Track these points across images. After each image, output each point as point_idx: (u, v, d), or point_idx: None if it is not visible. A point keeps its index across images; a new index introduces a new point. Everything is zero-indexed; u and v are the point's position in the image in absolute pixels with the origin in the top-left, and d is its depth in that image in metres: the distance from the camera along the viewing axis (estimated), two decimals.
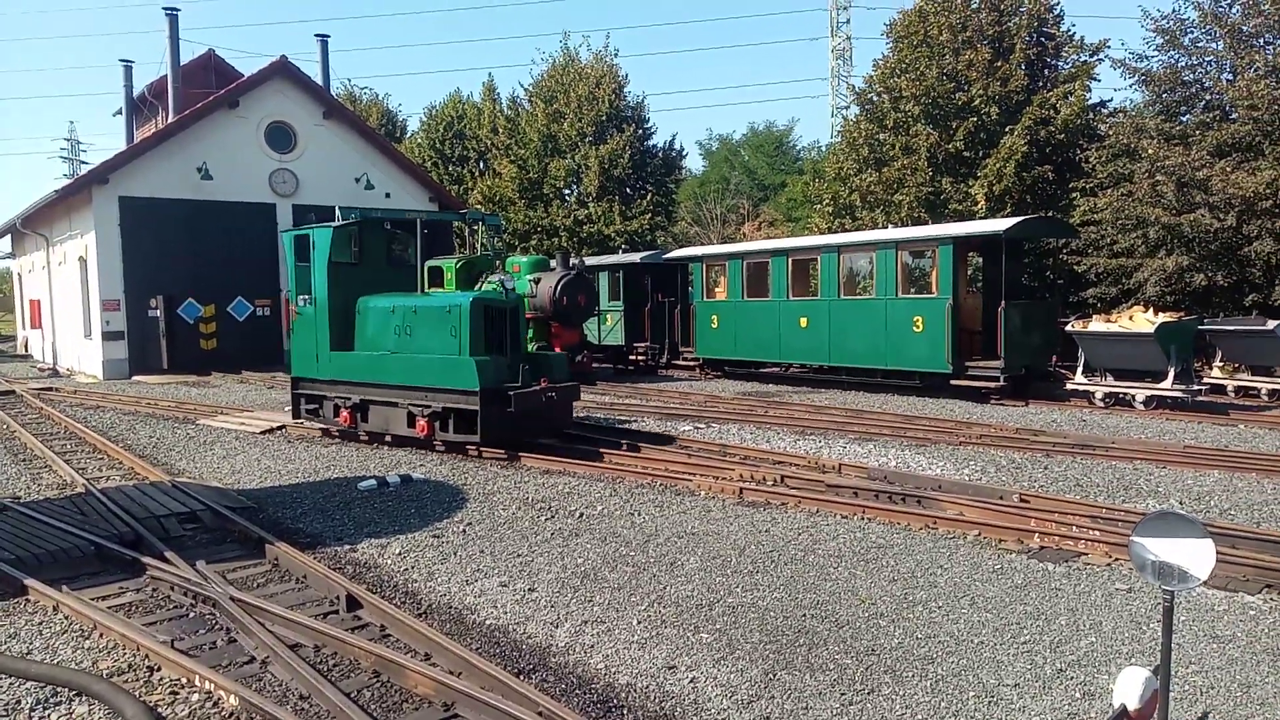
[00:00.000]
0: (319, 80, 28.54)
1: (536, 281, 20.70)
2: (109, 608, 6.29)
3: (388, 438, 12.57)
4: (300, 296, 13.08)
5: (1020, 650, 5.33)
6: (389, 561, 7.32)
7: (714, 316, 21.60)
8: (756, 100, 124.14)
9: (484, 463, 11.34)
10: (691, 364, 23.16)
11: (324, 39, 30.06)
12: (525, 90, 38.06)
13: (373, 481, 10.03)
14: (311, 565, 6.89)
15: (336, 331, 12.73)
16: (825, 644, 5.49)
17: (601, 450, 11.49)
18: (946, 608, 6.02)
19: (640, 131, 35.28)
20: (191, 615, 6.21)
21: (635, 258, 25.22)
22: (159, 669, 5.29)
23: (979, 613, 5.92)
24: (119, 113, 32.06)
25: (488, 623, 5.98)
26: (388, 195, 27.41)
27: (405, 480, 10.20)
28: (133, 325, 24.19)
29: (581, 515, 8.61)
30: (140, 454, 12.23)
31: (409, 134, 48.13)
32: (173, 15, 27.09)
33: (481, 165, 41.99)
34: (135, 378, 23.73)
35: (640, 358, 24.20)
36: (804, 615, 5.95)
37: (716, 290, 21.89)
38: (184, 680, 5.12)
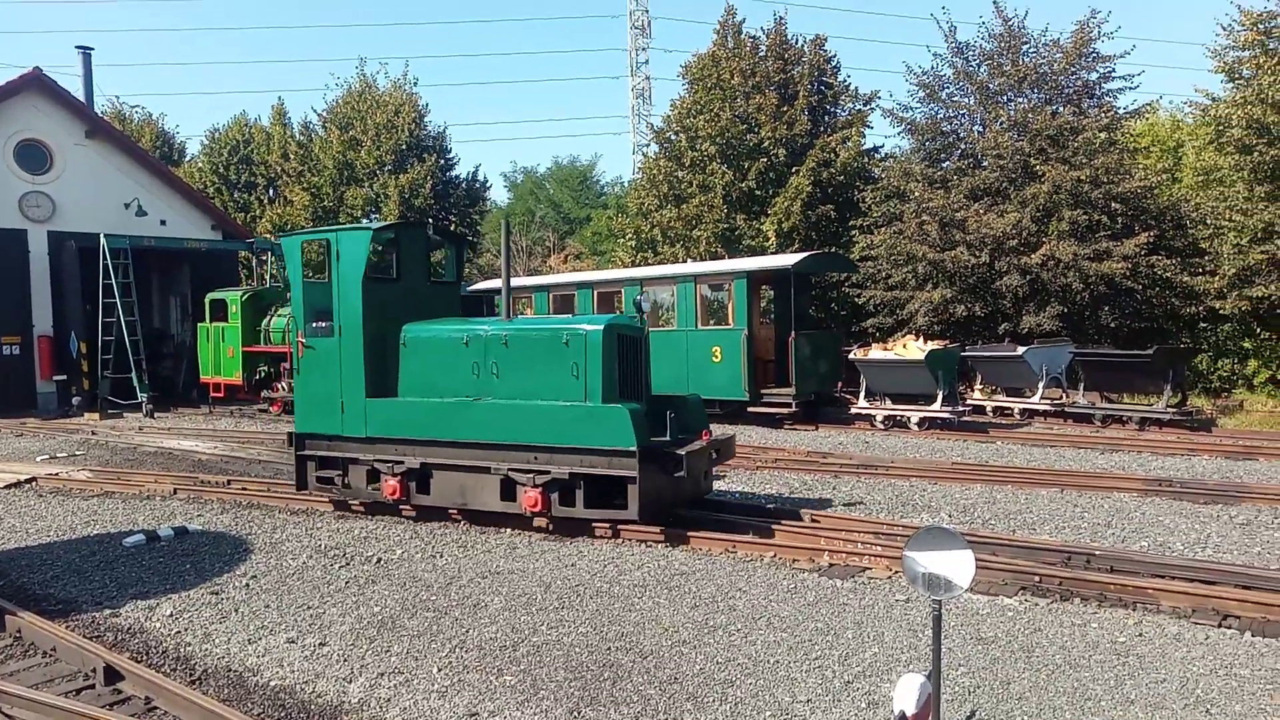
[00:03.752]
0: (80, 96, 26.07)
1: None
2: None
3: (453, 513, 9.53)
4: (313, 323, 9.86)
5: (812, 666, 5.56)
6: (158, 625, 6.64)
7: None
8: (560, 135, 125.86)
9: (271, 511, 10.57)
10: None
11: (87, 51, 27.60)
12: (319, 115, 36.60)
13: (140, 536, 9.10)
14: (62, 635, 6.13)
15: (374, 371, 9.58)
16: (629, 676, 5.49)
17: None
18: (745, 630, 6.19)
19: (442, 161, 34.74)
20: None
21: None
22: None
23: (775, 633, 6.14)
24: None
25: (273, 684, 5.54)
26: (163, 223, 25.37)
27: (180, 533, 9.33)
28: None
29: (379, 561, 8.20)
30: None
31: (189, 157, 44.88)
32: None
33: (271, 192, 39.78)
34: None
35: None
36: (609, 648, 5.93)
37: None
38: None
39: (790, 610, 6.57)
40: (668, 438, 8.56)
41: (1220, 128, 21.41)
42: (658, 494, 8.52)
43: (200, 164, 42.14)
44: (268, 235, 32.16)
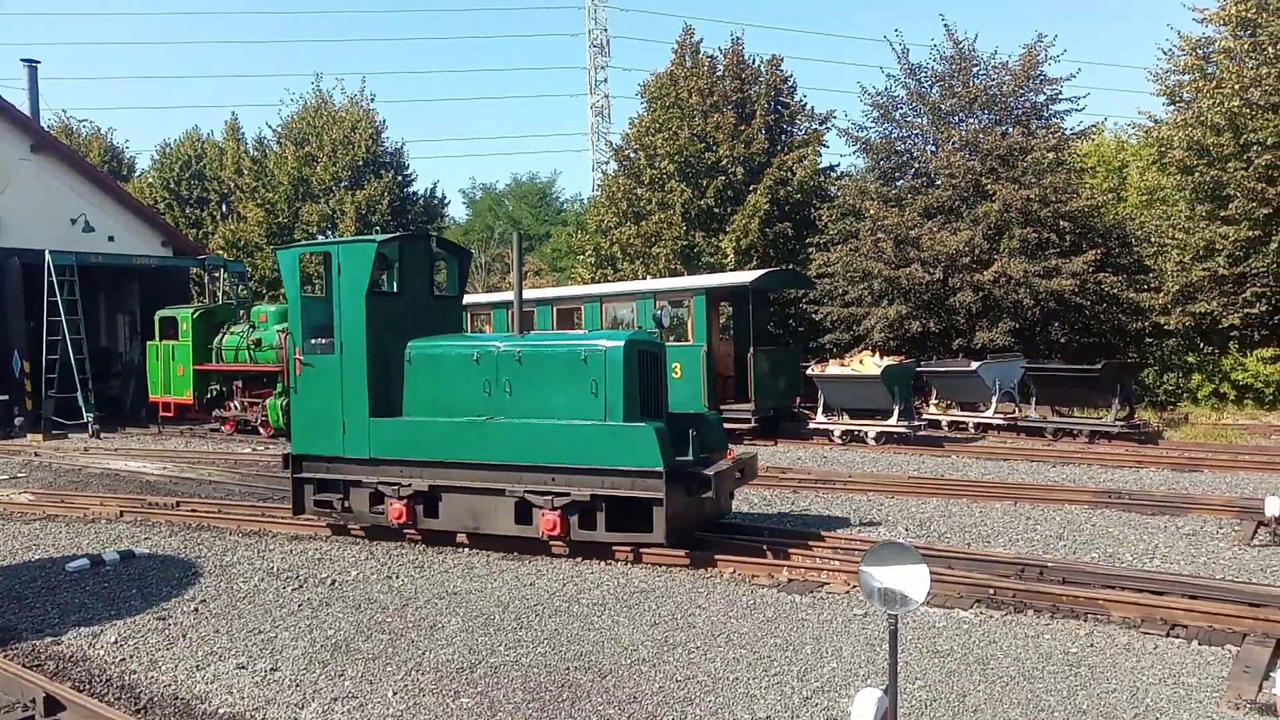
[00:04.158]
0: (26, 109, 25.47)
1: (285, 332, 19.44)
2: None
3: (461, 538, 9.15)
4: (312, 339, 9.48)
5: (772, 682, 5.56)
6: (102, 652, 6.44)
7: None
8: (520, 152, 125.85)
9: (221, 533, 10.33)
10: None
11: (33, 64, 26.98)
12: (274, 131, 36.19)
13: (84, 561, 8.83)
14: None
15: (378, 389, 9.19)
16: (589, 696, 5.44)
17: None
18: (704, 648, 6.18)
19: (400, 178, 34.52)
20: None
21: None
22: None
23: (734, 649, 6.13)
24: None
25: (221, 711, 5.39)
26: (111, 239, 24.80)
27: (126, 556, 9.07)
28: None
29: (333, 583, 8.05)
30: None
31: (138, 172, 44.05)
32: None
33: (224, 208, 39.16)
34: None
35: None
36: (567, 668, 5.88)
37: None
38: None
39: (749, 626, 6.57)
40: (690, 457, 8.29)
41: (1162, 149, 22.10)
42: (684, 516, 8.24)
43: (150, 179, 41.37)
44: (220, 252, 31.66)
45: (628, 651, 6.14)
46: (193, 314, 21.98)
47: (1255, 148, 19.59)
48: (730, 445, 9.03)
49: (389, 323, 9.25)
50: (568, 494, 8.26)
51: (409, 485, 8.99)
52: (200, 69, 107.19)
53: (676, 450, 8.22)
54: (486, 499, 8.69)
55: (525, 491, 8.46)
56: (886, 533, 9.46)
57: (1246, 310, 20.54)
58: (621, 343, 8.40)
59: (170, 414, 22.27)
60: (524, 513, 8.53)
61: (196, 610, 7.34)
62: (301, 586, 7.94)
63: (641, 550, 8.33)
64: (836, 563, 7.95)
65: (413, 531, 9.29)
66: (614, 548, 8.42)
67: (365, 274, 9.00)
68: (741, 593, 7.42)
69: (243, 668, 6.05)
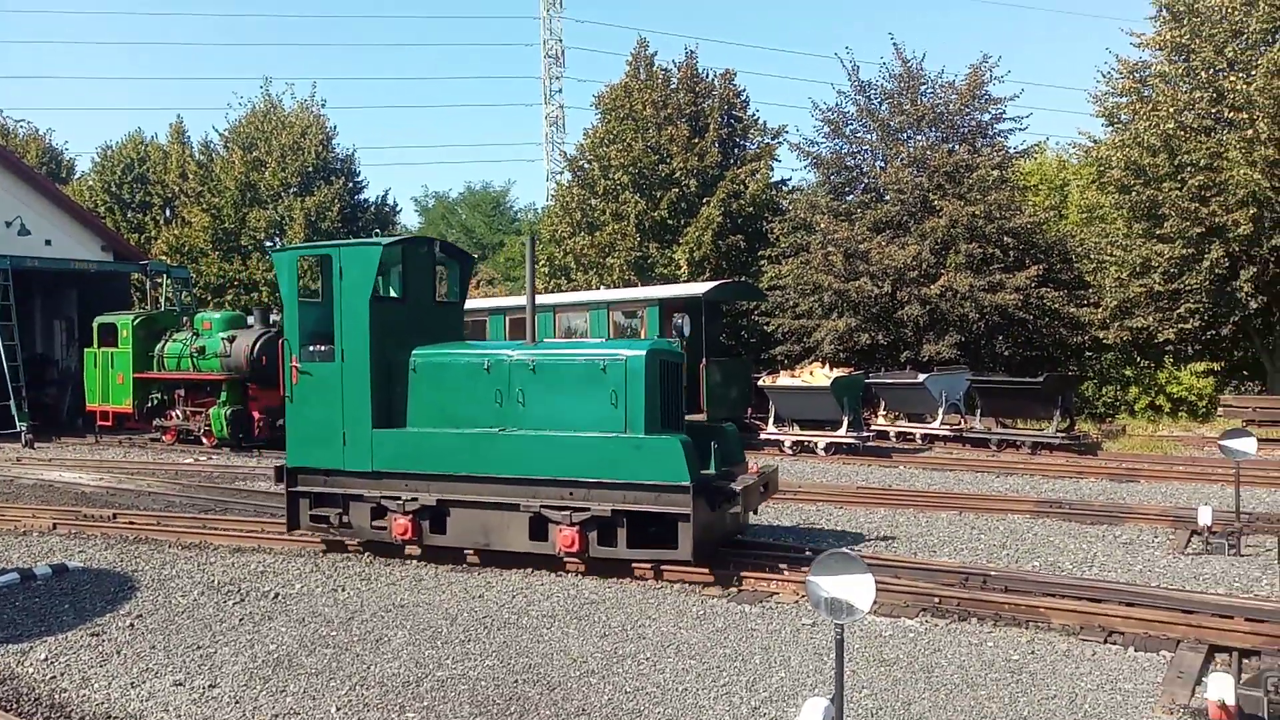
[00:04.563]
0: None
1: (231, 340, 19.09)
2: None
3: (468, 554, 8.76)
4: (309, 346, 9.13)
5: (720, 693, 5.57)
6: (30, 670, 6.21)
7: None
8: (474, 160, 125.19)
9: (160, 546, 10.05)
10: None
11: None
12: (220, 135, 35.51)
13: (14, 575, 8.52)
14: None
15: (381, 399, 8.82)
16: (536, 709, 5.39)
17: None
18: (654, 658, 6.17)
19: (351, 185, 34.09)
20: None
21: None
22: None
23: (684, 660, 6.13)
24: None
25: None
26: (48, 243, 24.05)
27: (58, 570, 8.77)
28: None
29: (277, 596, 7.88)
30: None
31: (78, 175, 42.86)
32: None
33: (168, 212, 38.27)
34: None
35: None
36: (516, 681, 5.82)
37: None
38: None
39: (699, 637, 6.58)
40: (713, 470, 8.04)
41: (1101, 168, 22.80)
42: (709, 532, 8.00)
43: (91, 182, 40.24)
44: (163, 257, 30.90)
45: (577, 663, 6.11)
46: (133, 320, 21.42)
47: (1189, 169, 20.30)
48: (735, 454, 8.81)
49: (391, 330, 8.90)
50: (587, 509, 7.94)
51: (415, 500, 8.58)
52: (144, 70, 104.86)
53: (701, 463, 8.03)
54: (499, 514, 8.35)
55: (541, 506, 8.12)
56: (835, 541, 9.56)
57: (1180, 325, 21.22)
58: (643, 352, 8.12)
59: (109, 423, 21.65)
60: (539, 528, 8.21)
61: (132, 626, 7.12)
62: (243, 600, 7.76)
63: (662, 567, 8.02)
64: (787, 572, 7.98)
65: (415, 548, 8.89)
66: (634, 566, 8.09)
67: (369, 278, 8.62)
68: (692, 603, 7.43)
69: (180, 685, 5.88)
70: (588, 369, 8.23)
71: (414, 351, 8.87)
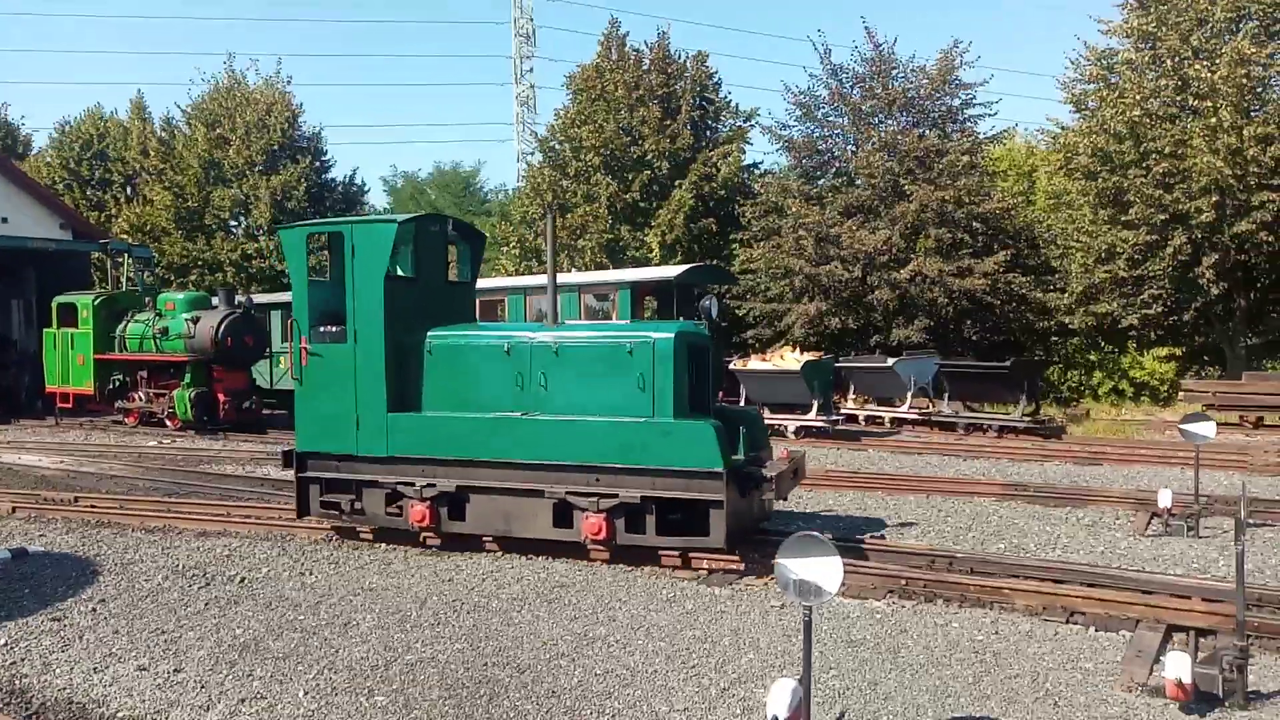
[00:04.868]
0: None
1: (195, 321, 18.78)
2: None
3: (487, 540, 8.51)
4: (323, 327, 8.79)
5: (690, 675, 5.60)
6: None
7: None
8: (444, 140, 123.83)
9: (123, 530, 9.90)
10: None
11: None
12: (183, 111, 34.80)
13: None
14: None
15: (397, 382, 8.57)
16: (507, 692, 5.39)
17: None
18: (624, 641, 6.18)
19: (318, 164, 33.61)
20: None
21: None
22: None
23: (654, 642, 6.15)
24: None
25: (120, 715, 5.18)
26: (4, 220, 23.55)
27: (18, 554, 8.62)
28: None
29: (243, 580, 7.79)
30: None
31: (35, 150, 41.83)
32: None
33: (129, 190, 37.51)
34: None
35: None
36: (485, 664, 5.81)
37: None
38: None
39: (669, 619, 6.61)
40: (741, 456, 7.93)
41: (1069, 155, 23.04)
42: (740, 519, 7.80)
43: (49, 158, 39.31)
44: (124, 236, 30.30)
45: (547, 646, 6.11)
46: (94, 301, 21.01)
47: (1154, 156, 20.59)
48: (762, 440, 8.54)
49: (404, 310, 8.59)
50: (615, 495, 7.74)
51: (433, 485, 8.35)
52: (104, 43, 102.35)
53: (737, 449, 7.91)
54: (521, 500, 8.12)
55: (567, 492, 7.92)
56: (804, 525, 9.63)
57: (1144, 311, 21.60)
58: (672, 334, 7.87)
59: (69, 405, 21.26)
60: (562, 515, 8.00)
61: (94, 610, 7.01)
62: (209, 584, 7.67)
63: (690, 555, 7.83)
64: (755, 554, 7.98)
65: (432, 535, 8.63)
66: (661, 554, 7.88)
67: (384, 257, 8.32)
68: (662, 586, 7.45)
69: (144, 669, 5.81)
70: (614, 352, 7.98)
71: (429, 333, 8.60)
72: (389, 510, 8.68)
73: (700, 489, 7.52)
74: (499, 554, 8.45)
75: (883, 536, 9.00)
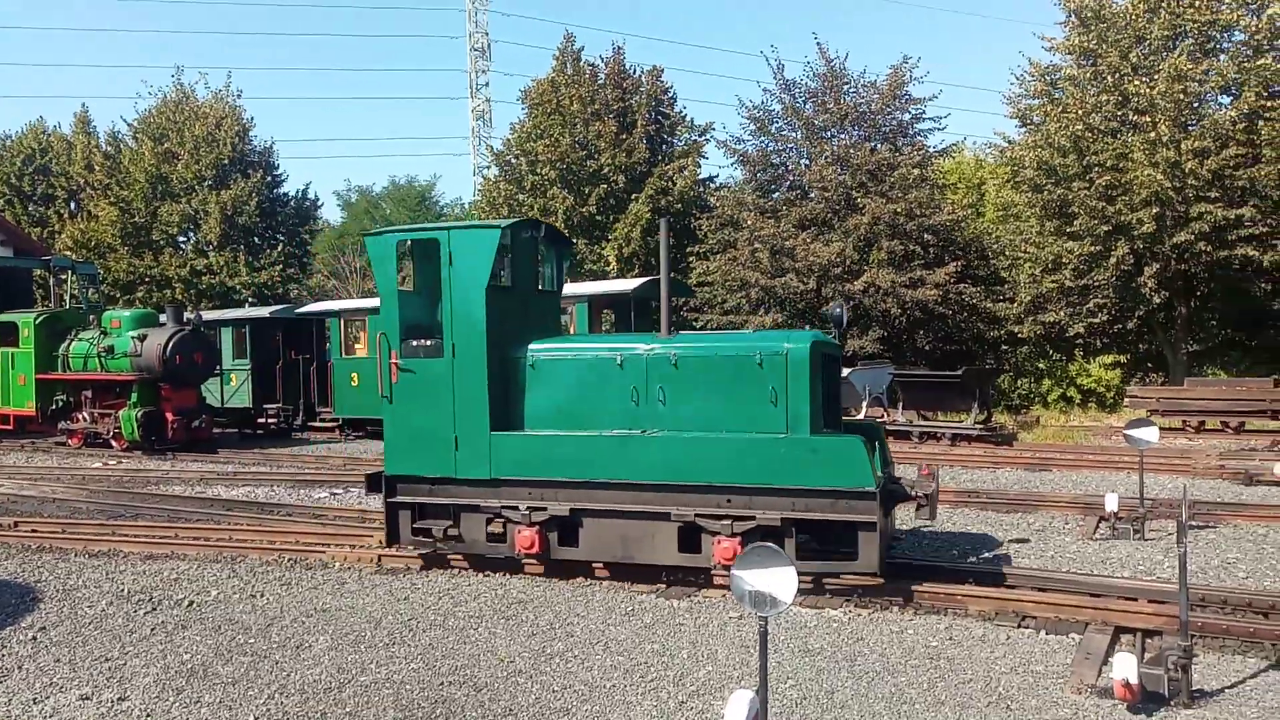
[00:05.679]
0: None
1: (142, 339, 18.37)
2: None
3: (597, 567, 7.95)
4: (416, 341, 8.20)
5: (648, 688, 5.58)
6: None
7: (354, 374, 20.60)
8: (399, 155, 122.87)
9: (65, 555, 9.60)
10: (331, 425, 21.86)
11: None
12: (129, 125, 34.13)
13: None
14: None
15: (499, 399, 7.98)
16: (463, 711, 5.32)
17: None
18: (582, 656, 6.15)
19: (269, 178, 33.16)
20: None
21: (264, 312, 23.43)
22: None
23: (612, 657, 6.13)
24: None
25: None
26: None
27: None
28: None
29: (191, 604, 7.60)
30: None
31: None
32: None
33: (73, 206, 36.63)
34: None
35: (272, 420, 22.36)
36: (442, 684, 5.73)
37: (356, 347, 20.98)
38: None
39: (627, 633, 6.58)
40: (880, 473, 7.41)
41: (1015, 168, 23.60)
42: (886, 540, 7.33)
43: None
44: (68, 253, 29.56)
45: (504, 664, 6.05)
46: (35, 319, 20.45)
47: (1096, 169, 21.16)
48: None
49: (503, 322, 8.02)
50: (752, 518, 7.18)
51: (543, 509, 7.73)
52: (48, 57, 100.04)
53: None
54: (642, 524, 7.53)
55: (696, 515, 7.35)
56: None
57: (1090, 320, 22.13)
58: (806, 344, 7.30)
59: (9, 427, 20.63)
60: (688, 539, 7.47)
61: (35, 639, 6.79)
62: (155, 609, 7.47)
63: (824, 580, 7.41)
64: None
65: (534, 563, 8.09)
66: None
67: (486, 265, 7.75)
68: (620, 599, 7.42)
69: (87, 699, 5.63)
70: (741, 363, 7.43)
71: (529, 346, 8.06)
72: (490, 536, 8.14)
73: (849, 510, 6.96)
74: (456, 572, 8.36)
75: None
